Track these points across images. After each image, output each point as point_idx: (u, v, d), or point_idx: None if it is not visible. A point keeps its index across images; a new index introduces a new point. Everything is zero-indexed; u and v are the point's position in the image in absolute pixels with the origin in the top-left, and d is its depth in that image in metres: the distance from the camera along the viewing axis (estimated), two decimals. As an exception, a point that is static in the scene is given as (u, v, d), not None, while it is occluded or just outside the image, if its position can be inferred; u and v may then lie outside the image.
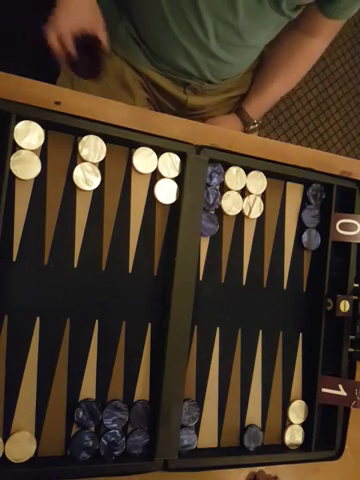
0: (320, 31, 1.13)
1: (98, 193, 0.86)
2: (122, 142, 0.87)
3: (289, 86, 1.22)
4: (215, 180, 0.94)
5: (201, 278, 0.93)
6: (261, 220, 0.99)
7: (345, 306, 1.00)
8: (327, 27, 1.12)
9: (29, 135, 0.79)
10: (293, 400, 1.00)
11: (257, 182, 0.98)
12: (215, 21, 0.99)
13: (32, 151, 0.80)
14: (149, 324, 0.88)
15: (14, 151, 0.79)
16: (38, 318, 0.80)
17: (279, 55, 1.18)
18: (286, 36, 1.15)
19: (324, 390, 0.99)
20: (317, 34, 1.14)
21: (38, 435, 0.79)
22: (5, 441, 0.77)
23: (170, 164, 0.90)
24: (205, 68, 1.10)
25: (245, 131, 1.20)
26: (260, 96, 1.21)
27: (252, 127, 1.20)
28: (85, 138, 0.84)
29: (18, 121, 0.79)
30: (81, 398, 0.83)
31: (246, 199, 0.97)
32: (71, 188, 0.84)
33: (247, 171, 0.97)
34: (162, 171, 0.90)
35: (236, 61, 1.12)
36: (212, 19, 0.98)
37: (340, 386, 0.98)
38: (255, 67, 1.25)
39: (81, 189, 0.84)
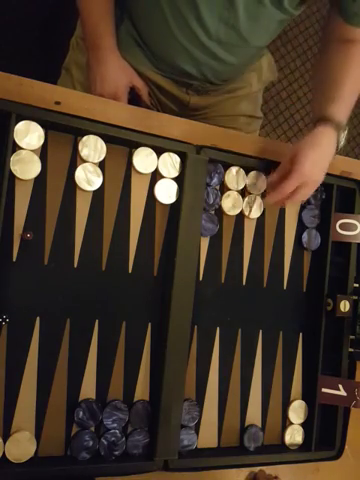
0: None
1: (98, 193, 0.86)
2: (122, 142, 0.87)
3: (357, 90, 1.03)
4: (215, 180, 0.94)
5: (201, 278, 0.93)
6: (261, 220, 0.99)
7: (345, 306, 1.00)
8: None
9: (29, 135, 0.79)
10: (293, 400, 1.00)
11: (257, 182, 0.98)
12: (216, 22, 0.98)
13: (32, 151, 0.80)
14: (149, 324, 0.88)
15: (14, 151, 0.79)
16: (38, 318, 0.80)
17: (335, 63, 1.03)
18: (333, 49, 1.03)
19: (324, 390, 0.99)
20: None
21: (38, 435, 0.79)
22: (5, 441, 0.77)
23: (170, 164, 0.90)
24: (207, 70, 1.10)
25: (338, 142, 0.97)
26: (338, 98, 0.99)
27: (344, 133, 0.98)
28: (85, 138, 0.84)
29: (18, 121, 0.79)
30: (81, 398, 0.83)
31: (246, 199, 0.97)
32: (71, 188, 0.84)
33: (247, 171, 0.97)
34: (162, 171, 0.90)
35: (238, 62, 1.11)
36: (213, 20, 0.98)
37: (340, 386, 0.98)
38: (258, 66, 1.25)
39: (82, 189, 0.84)
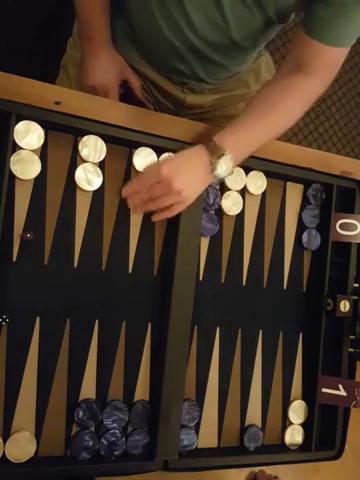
0: (315, 65, 0.96)
1: (98, 193, 0.86)
2: (122, 142, 0.87)
3: (275, 131, 0.97)
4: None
5: (201, 278, 0.93)
6: (261, 220, 0.99)
7: (345, 306, 1.00)
8: (321, 59, 0.96)
9: (29, 135, 0.79)
10: (293, 400, 1.00)
11: (257, 182, 0.98)
12: (203, 22, 0.98)
13: (32, 151, 0.80)
14: (149, 324, 0.88)
15: (14, 151, 0.79)
16: (38, 318, 0.80)
17: (267, 96, 0.98)
18: (279, 76, 0.99)
19: (324, 390, 0.99)
20: (312, 70, 0.97)
21: (38, 435, 0.79)
22: (5, 441, 0.77)
23: (170, 164, 0.90)
24: (198, 69, 1.10)
25: (211, 164, 0.86)
26: (234, 125, 0.92)
27: (225, 163, 0.87)
28: (85, 138, 0.84)
29: (18, 121, 0.79)
30: (81, 398, 0.83)
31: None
32: (71, 188, 0.84)
33: (247, 171, 0.97)
34: (162, 171, 0.90)
35: (229, 62, 1.11)
36: (200, 20, 0.98)
37: (340, 386, 0.98)
38: (256, 67, 1.24)
39: (82, 189, 0.84)
